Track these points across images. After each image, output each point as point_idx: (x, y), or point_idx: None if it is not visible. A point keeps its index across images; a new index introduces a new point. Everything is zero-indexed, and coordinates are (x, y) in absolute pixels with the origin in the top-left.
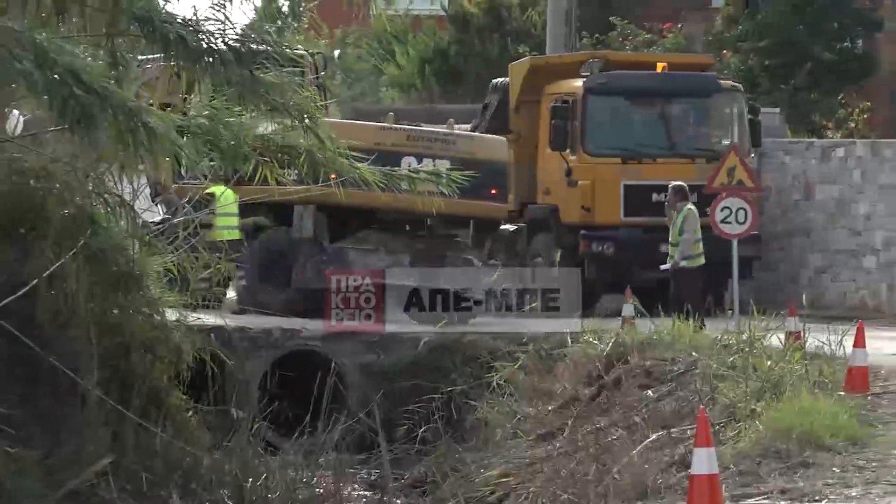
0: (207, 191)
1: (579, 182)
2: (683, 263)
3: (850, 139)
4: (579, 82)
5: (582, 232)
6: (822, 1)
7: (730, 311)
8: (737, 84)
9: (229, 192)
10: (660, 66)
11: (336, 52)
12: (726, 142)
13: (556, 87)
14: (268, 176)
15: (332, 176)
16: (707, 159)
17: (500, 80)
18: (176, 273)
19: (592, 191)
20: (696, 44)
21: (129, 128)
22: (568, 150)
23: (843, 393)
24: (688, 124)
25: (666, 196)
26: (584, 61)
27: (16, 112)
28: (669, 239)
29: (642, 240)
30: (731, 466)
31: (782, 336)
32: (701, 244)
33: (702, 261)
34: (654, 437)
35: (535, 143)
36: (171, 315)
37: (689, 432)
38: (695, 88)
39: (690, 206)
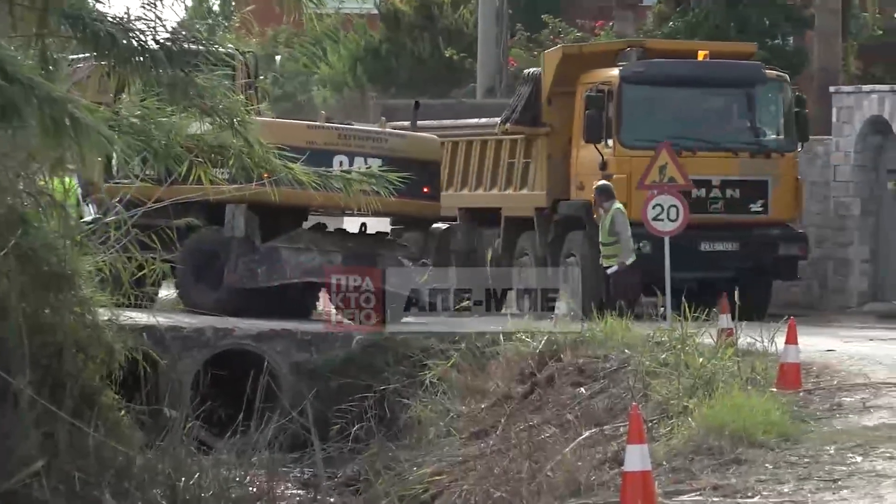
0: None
1: (614, 176)
2: (629, 261)
3: None
4: (615, 71)
5: None
6: None
7: (661, 308)
8: (783, 73)
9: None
10: (701, 55)
11: (278, 58)
12: (772, 135)
13: (591, 77)
14: (202, 176)
15: (265, 175)
16: (751, 153)
17: (531, 70)
18: (108, 273)
19: (628, 185)
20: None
21: (55, 118)
22: (603, 143)
23: (775, 389)
24: (730, 116)
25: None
26: (622, 49)
27: None
28: (599, 239)
29: (681, 237)
30: (664, 463)
31: (715, 333)
32: (631, 241)
33: (633, 257)
34: (586, 434)
35: (568, 136)
36: (103, 314)
37: (621, 429)
38: (738, 78)
39: (619, 205)
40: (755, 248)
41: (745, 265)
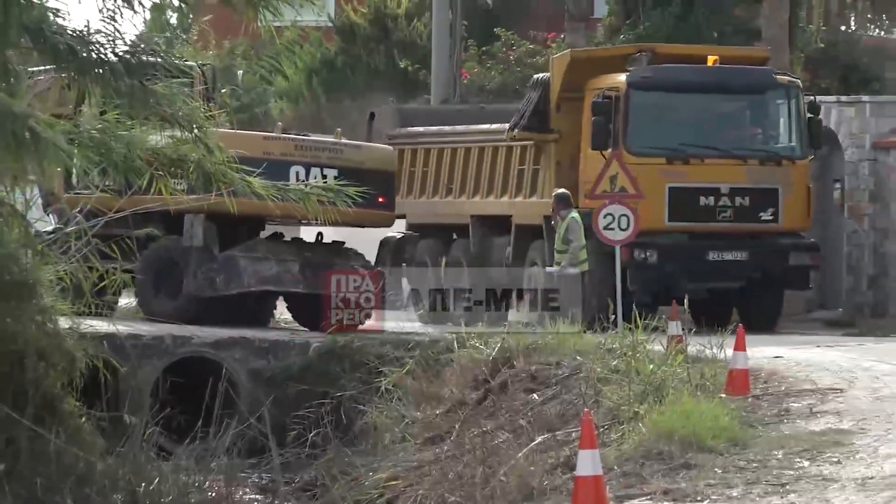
0: None
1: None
2: (572, 270)
3: None
4: (622, 77)
5: None
6: (701, 10)
7: (612, 316)
8: (795, 79)
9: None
10: (710, 60)
11: (240, 73)
12: (783, 142)
13: (599, 82)
14: (163, 189)
15: (224, 186)
16: (760, 160)
17: (541, 75)
18: (69, 282)
19: None
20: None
21: (15, 133)
22: (610, 150)
23: (724, 395)
24: (739, 122)
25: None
26: (631, 54)
27: None
28: (554, 246)
29: (688, 247)
30: (615, 468)
31: (665, 340)
32: (585, 251)
33: (585, 267)
34: (539, 439)
35: (577, 143)
36: (64, 322)
37: (573, 435)
38: (747, 83)
39: (574, 213)
40: (765, 258)
41: (755, 275)
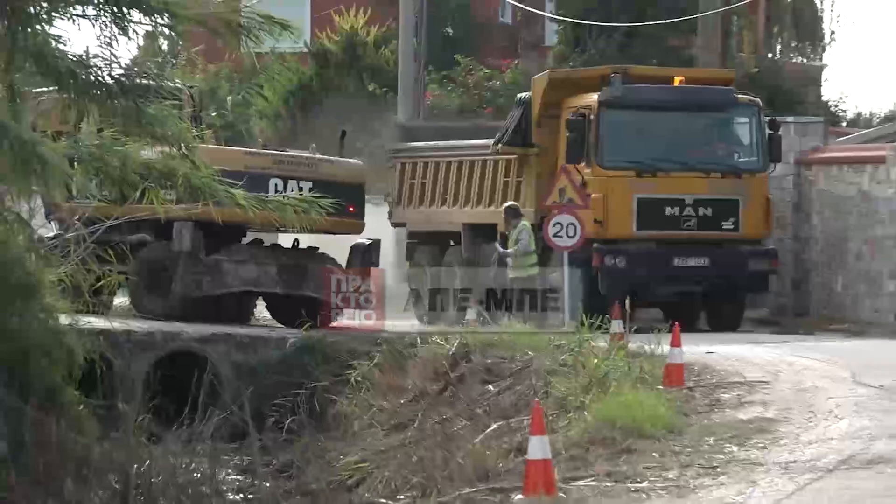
0: None
1: (592, 195)
2: (511, 271)
3: None
4: (594, 96)
5: (594, 245)
6: (641, 40)
7: (562, 316)
8: (755, 98)
9: None
10: (676, 80)
11: (229, 99)
12: (743, 156)
13: (574, 101)
14: (154, 199)
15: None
16: (722, 173)
17: (524, 94)
18: (69, 283)
19: (605, 204)
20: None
21: (24, 157)
22: (583, 164)
23: (661, 387)
24: (703, 138)
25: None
26: (605, 75)
27: None
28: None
29: (655, 253)
30: (563, 452)
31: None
32: (535, 257)
33: (533, 272)
34: (494, 426)
35: (556, 157)
36: (65, 320)
37: (525, 422)
38: (710, 102)
39: (524, 221)
40: (726, 264)
41: (717, 280)
